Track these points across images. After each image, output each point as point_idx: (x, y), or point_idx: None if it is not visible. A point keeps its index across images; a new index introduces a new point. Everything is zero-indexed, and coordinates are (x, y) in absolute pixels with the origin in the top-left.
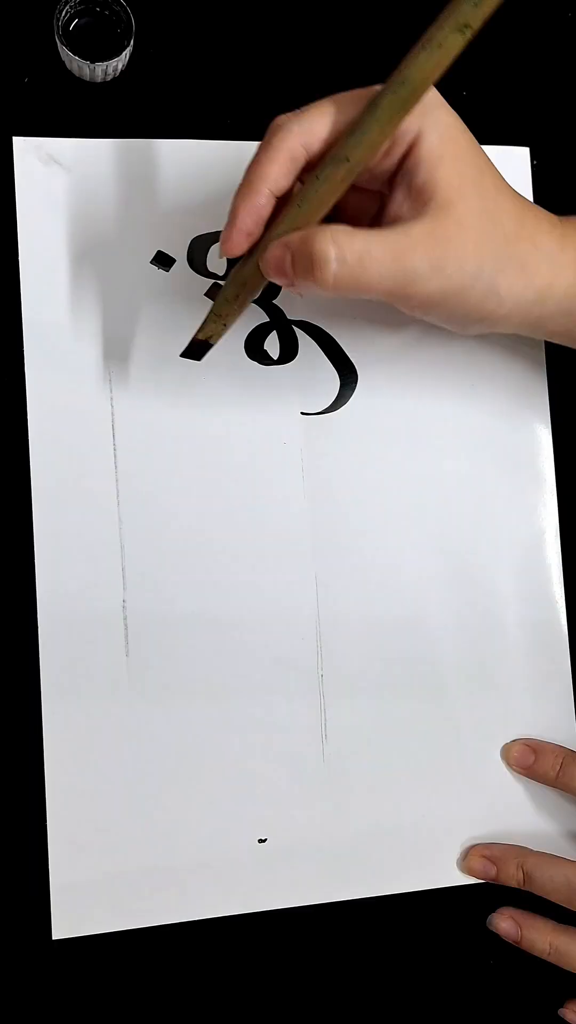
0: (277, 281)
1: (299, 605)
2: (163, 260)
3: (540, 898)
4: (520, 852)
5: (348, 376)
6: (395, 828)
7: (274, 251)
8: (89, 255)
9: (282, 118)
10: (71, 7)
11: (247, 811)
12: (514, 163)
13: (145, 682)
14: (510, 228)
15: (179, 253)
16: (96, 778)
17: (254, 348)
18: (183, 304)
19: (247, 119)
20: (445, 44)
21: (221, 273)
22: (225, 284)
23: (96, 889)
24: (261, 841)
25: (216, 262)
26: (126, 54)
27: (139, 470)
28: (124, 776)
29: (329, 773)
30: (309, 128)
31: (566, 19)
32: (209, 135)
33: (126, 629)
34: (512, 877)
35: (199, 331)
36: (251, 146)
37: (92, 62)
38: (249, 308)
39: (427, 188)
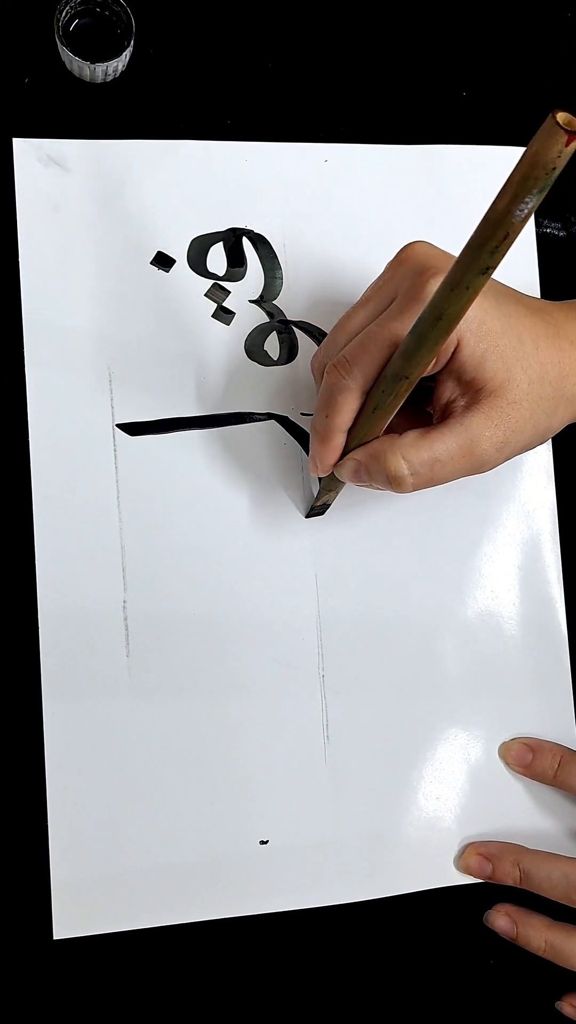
0: (357, 485)
1: (299, 605)
2: (163, 260)
3: (538, 898)
4: (517, 850)
5: None
6: (396, 828)
7: (349, 466)
8: (89, 255)
9: (334, 374)
10: (71, 7)
11: (248, 812)
12: (514, 163)
13: (145, 682)
14: (554, 375)
15: (179, 253)
16: (96, 778)
17: (254, 348)
18: (183, 304)
19: (247, 119)
20: (472, 285)
21: (221, 274)
22: (325, 478)
23: (97, 889)
24: (263, 843)
25: (215, 263)
26: (126, 54)
27: (139, 470)
28: (125, 776)
29: (331, 774)
30: (365, 380)
31: (566, 19)
32: (209, 135)
33: (126, 629)
34: (508, 875)
35: (316, 499)
36: (251, 146)
37: (92, 62)
38: (249, 308)
39: (477, 382)
